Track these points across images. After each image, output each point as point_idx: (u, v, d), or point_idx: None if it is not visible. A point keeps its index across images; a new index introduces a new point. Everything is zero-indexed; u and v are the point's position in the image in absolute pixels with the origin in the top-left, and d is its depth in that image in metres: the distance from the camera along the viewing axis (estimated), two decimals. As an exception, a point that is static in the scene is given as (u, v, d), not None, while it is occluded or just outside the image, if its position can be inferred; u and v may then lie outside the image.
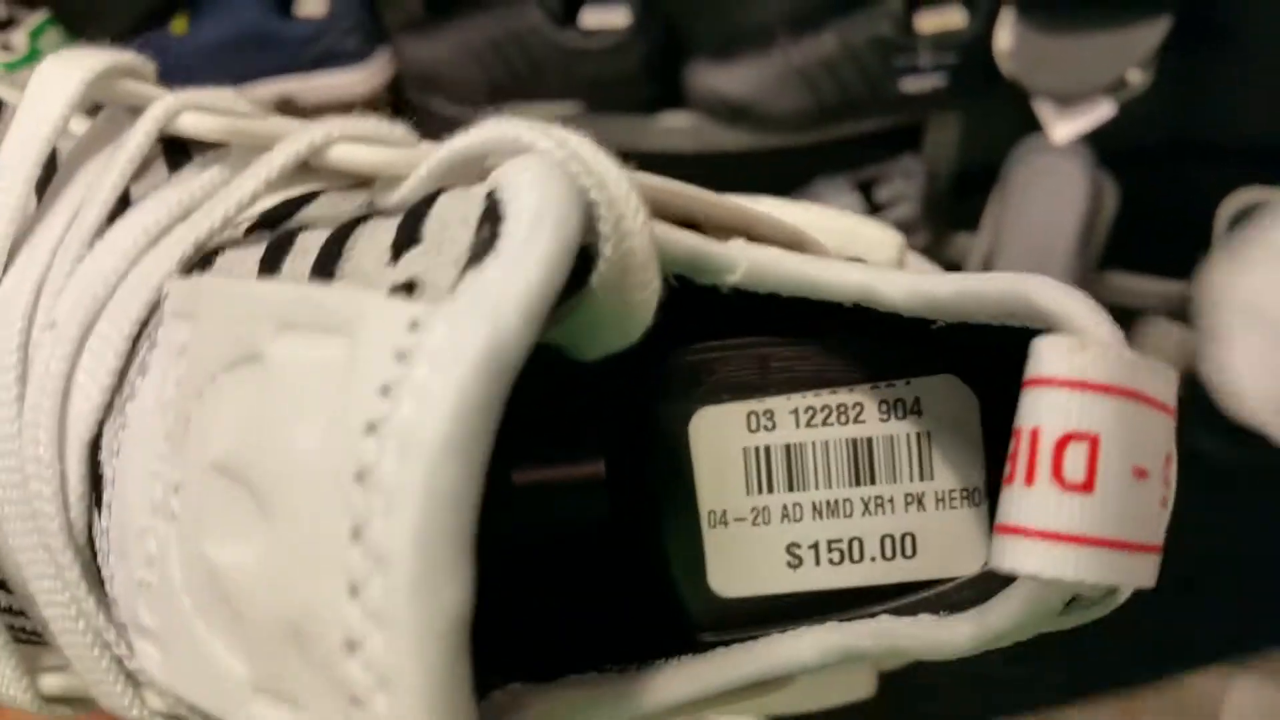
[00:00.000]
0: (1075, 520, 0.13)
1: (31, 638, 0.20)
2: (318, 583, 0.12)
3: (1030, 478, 0.13)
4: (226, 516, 0.13)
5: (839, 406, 0.20)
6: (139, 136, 0.18)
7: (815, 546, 0.20)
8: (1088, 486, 0.13)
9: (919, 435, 0.20)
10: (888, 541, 0.20)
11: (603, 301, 0.16)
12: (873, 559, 0.20)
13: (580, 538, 0.21)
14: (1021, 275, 0.16)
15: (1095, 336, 0.14)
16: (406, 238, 0.14)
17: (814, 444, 0.20)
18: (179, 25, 0.72)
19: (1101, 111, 0.69)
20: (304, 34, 0.72)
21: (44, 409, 0.16)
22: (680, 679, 0.18)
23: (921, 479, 0.20)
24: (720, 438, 0.20)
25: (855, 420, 0.20)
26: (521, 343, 0.12)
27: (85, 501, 0.16)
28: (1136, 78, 0.68)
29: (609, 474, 0.21)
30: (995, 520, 0.14)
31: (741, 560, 0.20)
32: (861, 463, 0.20)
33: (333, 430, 0.12)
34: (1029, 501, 0.13)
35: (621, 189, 0.15)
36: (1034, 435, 0.14)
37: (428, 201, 0.14)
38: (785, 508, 0.20)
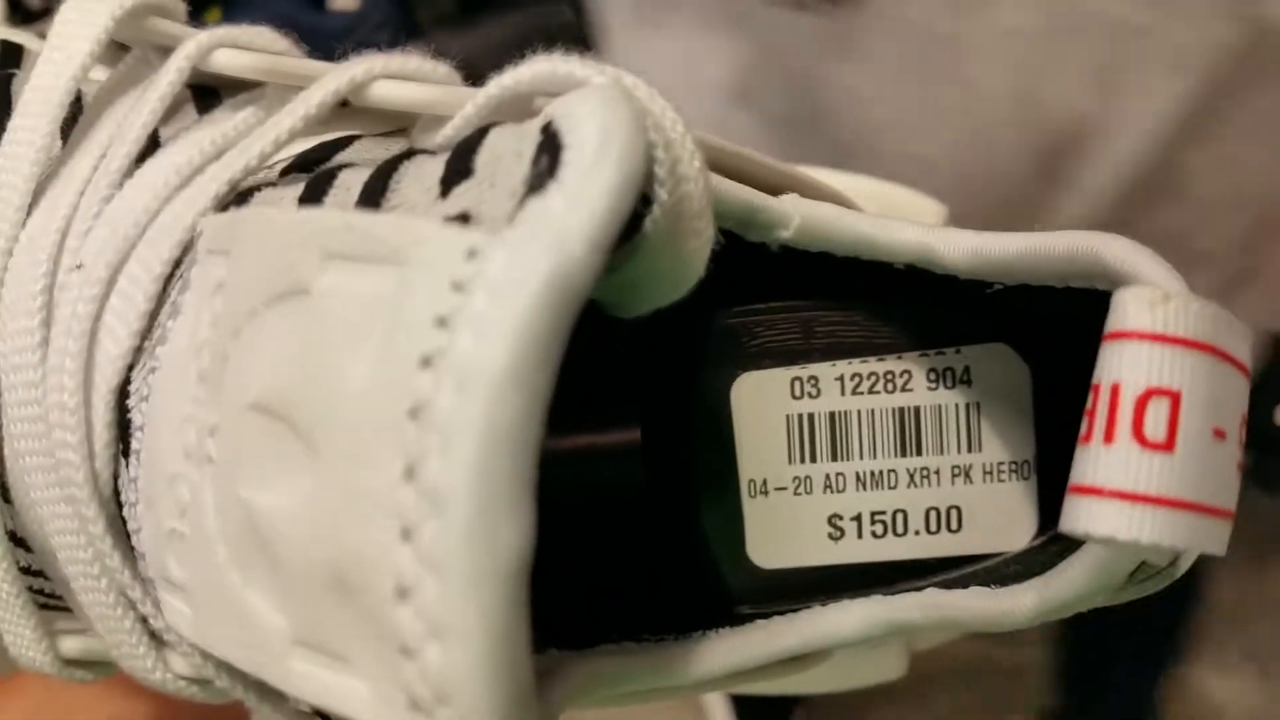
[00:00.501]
0: (1155, 480, 0.13)
1: (51, 600, 0.19)
2: (366, 526, 0.11)
3: (1110, 435, 0.13)
4: (267, 458, 0.12)
5: (886, 374, 0.19)
6: (171, 73, 0.17)
7: (858, 518, 0.19)
8: (1168, 446, 0.13)
9: (968, 405, 0.19)
10: (933, 514, 0.19)
11: (656, 249, 0.15)
12: (916, 532, 0.19)
13: (616, 506, 0.20)
14: (1091, 232, 0.16)
15: (1172, 290, 0.13)
16: (457, 171, 0.13)
17: (859, 412, 0.19)
18: (213, 15, 0.71)
19: None
20: (336, 27, 0.71)
21: (70, 353, 0.16)
22: (718, 651, 0.17)
23: (969, 450, 0.19)
24: (762, 404, 0.19)
25: (903, 389, 0.19)
26: (587, 274, 0.11)
27: (112, 450, 0.16)
28: None
29: (646, 442, 0.20)
30: (1070, 481, 0.13)
31: (782, 531, 0.19)
32: (908, 432, 0.19)
33: (385, 364, 0.11)
34: (1108, 460, 0.13)
35: (678, 131, 0.15)
36: (1114, 391, 0.13)
37: (478, 135, 0.14)
38: (828, 477, 0.19)
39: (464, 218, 0.12)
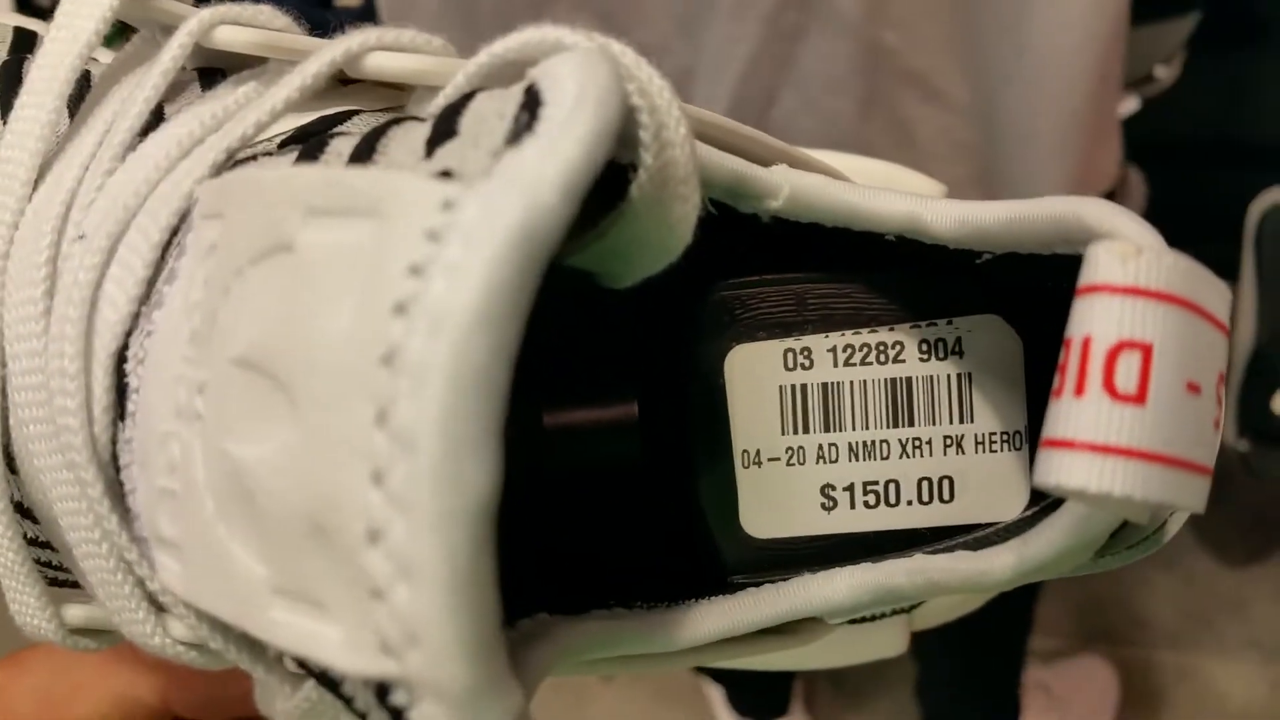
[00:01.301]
0: (1126, 432, 0.13)
1: (57, 573, 0.20)
2: (340, 471, 0.11)
3: (1080, 388, 0.13)
4: (250, 411, 0.13)
5: (878, 345, 0.19)
6: (174, 49, 0.17)
7: (850, 488, 0.19)
8: (1140, 398, 0.13)
9: (960, 376, 0.19)
10: (925, 484, 0.19)
11: (642, 216, 0.16)
12: (909, 502, 0.19)
13: (612, 479, 0.20)
14: (1075, 197, 0.16)
15: (1145, 244, 0.13)
16: (441, 132, 0.13)
17: (852, 383, 0.19)
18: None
19: (1127, 106, 0.68)
20: (342, 23, 0.72)
21: (71, 320, 0.16)
22: (707, 617, 0.18)
23: (961, 421, 0.19)
24: (755, 375, 0.19)
25: (895, 360, 0.19)
26: (558, 219, 0.11)
27: (110, 414, 0.16)
28: (1163, 73, 0.68)
29: (642, 415, 0.20)
30: (1042, 435, 0.13)
31: (775, 501, 0.19)
32: (900, 403, 0.19)
33: (360, 313, 0.12)
34: (1078, 412, 0.13)
35: (664, 98, 0.15)
36: (1085, 344, 0.13)
37: (465, 99, 0.14)
38: (821, 448, 0.19)
39: (446, 175, 0.12)
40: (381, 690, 0.12)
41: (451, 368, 0.11)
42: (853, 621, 0.22)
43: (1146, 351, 0.13)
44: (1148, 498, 0.13)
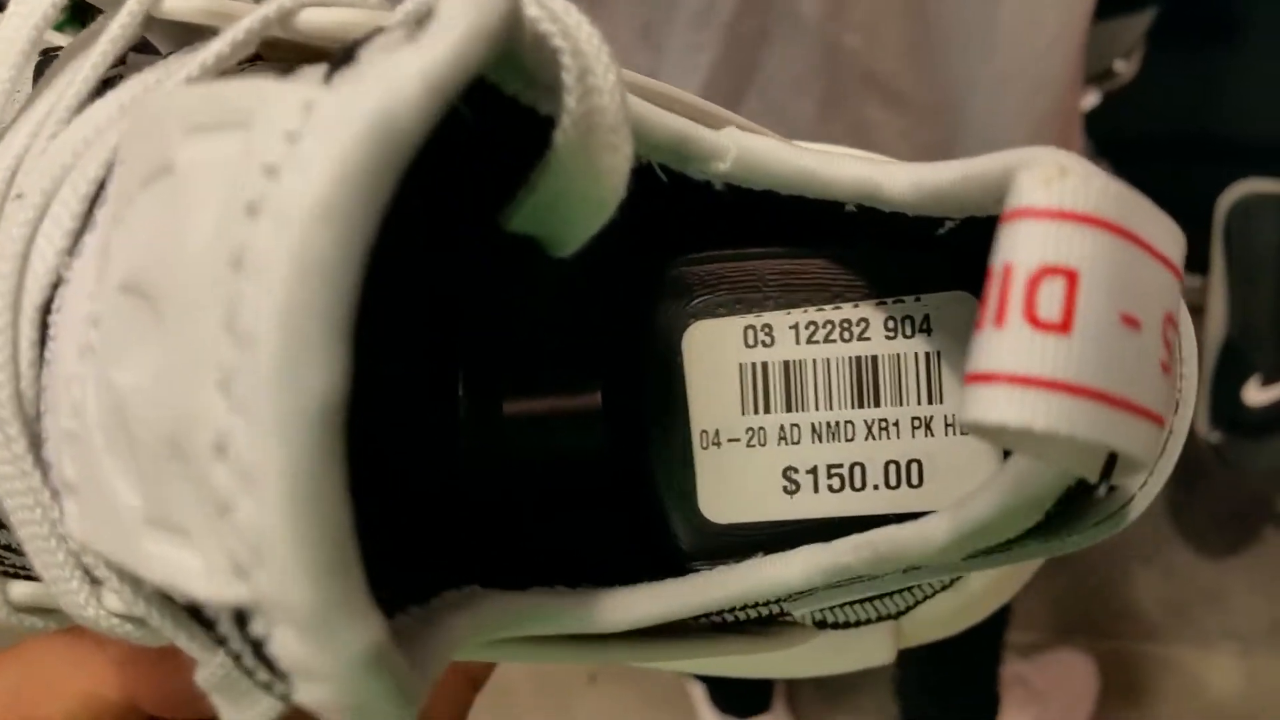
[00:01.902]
0: (1050, 363, 0.12)
1: (14, 558, 0.19)
2: (192, 382, 0.11)
3: (1000, 318, 0.12)
4: (129, 336, 0.12)
5: (842, 322, 0.18)
6: (123, 17, 0.17)
7: (814, 471, 0.18)
8: (1064, 327, 0.12)
9: (928, 355, 0.18)
10: (892, 468, 0.18)
11: (568, 164, 0.15)
12: (875, 487, 0.18)
13: (570, 464, 0.20)
14: (1028, 149, 0.15)
15: (1071, 166, 0.12)
16: (342, 60, 0.13)
17: (815, 361, 0.18)
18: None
19: (1088, 101, 0.68)
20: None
21: (2, 275, 0.16)
22: (653, 598, 0.17)
23: (930, 402, 0.18)
24: (715, 353, 0.19)
25: (860, 337, 0.18)
26: (417, 114, 0.11)
27: (35, 369, 0.16)
28: (1122, 68, 0.67)
29: (605, 401, 0.20)
30: (966, 370, 0.12)
31: (735, 484, 0.18)
32: (866, 383, 0.18)
33: (218, 221, 0.11)
34: (998, 343, 0.12)
35: (591, 43, 0.15)
36: (1006, 272, 0.12)
37: (374, 32, 0.14)
38: (782, 429, 0.18)
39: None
40: (241, 619, 0.11)
41: (293, 261, 0.10)
42: (835, 628, 0.21)
43: (1071, 277, 0.12)
44: (1074, 434, 0.12)
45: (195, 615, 0.13)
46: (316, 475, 0.10)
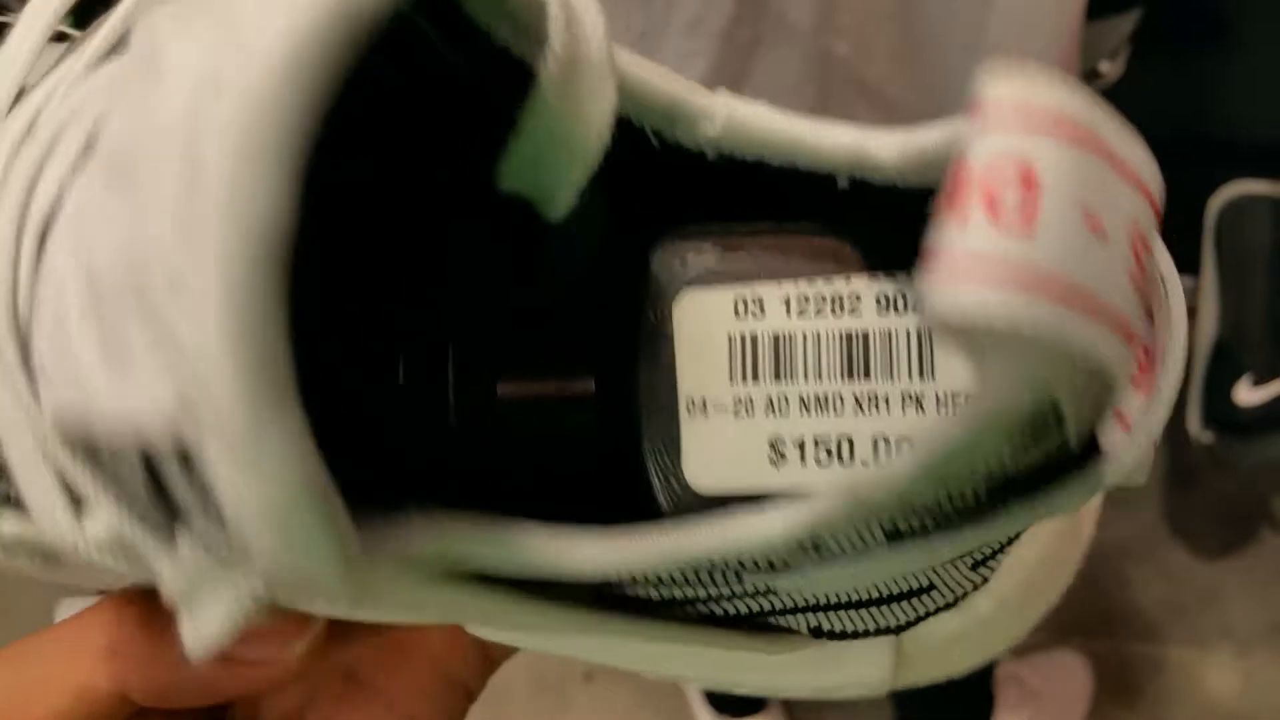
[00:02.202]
0: (1013, 255, 0.12)
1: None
2: (152, 224, 0.11)
3: (961, 214, 0.12)
4: (103, 204, 0.13)
5: (834, 297, 0.18)
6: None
7: (801, 443, 0.18)
8: (1025, 223, 0.12)
9: (921, 332, 0.18)
10: (881, 444, 0.18)
11: (554, 106, 0.15)
12: (864, 462, 0.18)
13: (563, 444, 0.20)
14: None
15: (1040, 81, 0.13)
16: None
17: (805, 334, 0.18)
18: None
19: None
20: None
21: (12, 193, 0.17)
22: (625, 543, 0.16)
23: (921, 378, 0.18)
24: (704, 322, 0.19)
25: (850, 312, 0.18)
26: None
27: (31, 281, 0.16)
28: (1108, 69, 0.67)
29: (598, 380, 0.20)
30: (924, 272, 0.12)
31: (720, 452, 0.18)
32: (856, 357, 0.18)
33: (194, 89, 0.12)
34: (958, 241, 0.12)
35: None
36: (968, 170, 0.12)
37: None
38: (770, 399, 0.18)
39: None
40: (185, 460, 0.11)
41: (249, 86, 0.10)
42: (833, 637, 0.20)
43: (1032, 174, 0.12)
44: (1036, 330, 0.12)
45: (153, 489, 0.13)
46: (254, 295, 0.10)
